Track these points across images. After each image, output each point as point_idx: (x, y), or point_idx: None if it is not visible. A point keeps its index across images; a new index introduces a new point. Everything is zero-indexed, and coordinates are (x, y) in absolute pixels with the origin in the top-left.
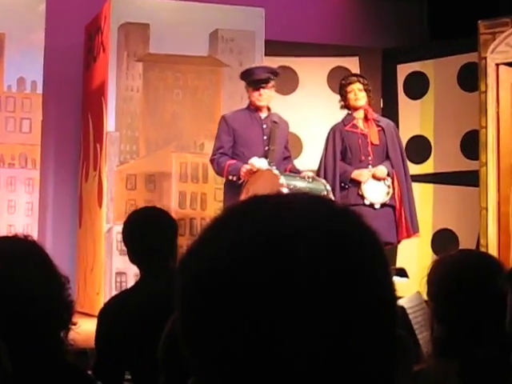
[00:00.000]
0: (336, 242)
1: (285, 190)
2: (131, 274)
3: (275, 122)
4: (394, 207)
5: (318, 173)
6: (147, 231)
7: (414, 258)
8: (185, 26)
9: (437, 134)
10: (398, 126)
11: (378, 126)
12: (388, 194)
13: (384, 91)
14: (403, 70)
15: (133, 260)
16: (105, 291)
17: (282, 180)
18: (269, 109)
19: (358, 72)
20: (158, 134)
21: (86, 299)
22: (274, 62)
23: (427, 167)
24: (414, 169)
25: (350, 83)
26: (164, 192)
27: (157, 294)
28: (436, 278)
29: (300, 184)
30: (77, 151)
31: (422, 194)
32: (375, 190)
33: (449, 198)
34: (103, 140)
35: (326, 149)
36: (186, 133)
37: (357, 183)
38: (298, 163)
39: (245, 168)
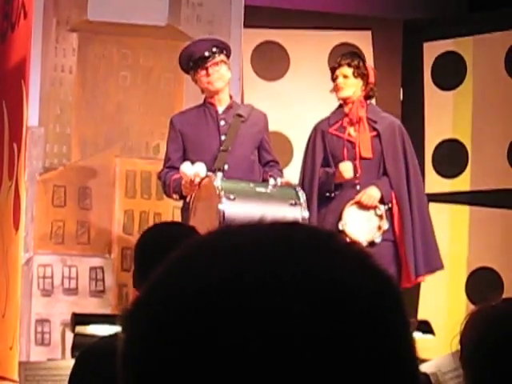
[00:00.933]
0: (332, 293)
1: (224, 202)
2: (57, 321)
3: (239, 116)
4: (394, 241)
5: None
6: (171, 251)
7: (443, 307)
8: None
9: (475, 138)
10: (422, 126)
11: (374, 129)
12: (380, 228)
13: (405, 78)
14: (432, 50)
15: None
16: (20, 345)
17: (218, 186)
18: (231, 97)
19: (371, 51)
20: (96, 132)
21: None
22: (257, 36)
23: (461, 183)
24: (444, 185)
25: (337, 66)
26: (104, 211)
27: None
28: (473, 337)
29: (252, 191)
30: None
31: (454, 218)
32: (360, 223)
33: (490, 225)
34: (22, 138)
35: (304, 155)
36: (134, 131)
37: (337, 210)
38: (288, 172)
39: (184, 181)
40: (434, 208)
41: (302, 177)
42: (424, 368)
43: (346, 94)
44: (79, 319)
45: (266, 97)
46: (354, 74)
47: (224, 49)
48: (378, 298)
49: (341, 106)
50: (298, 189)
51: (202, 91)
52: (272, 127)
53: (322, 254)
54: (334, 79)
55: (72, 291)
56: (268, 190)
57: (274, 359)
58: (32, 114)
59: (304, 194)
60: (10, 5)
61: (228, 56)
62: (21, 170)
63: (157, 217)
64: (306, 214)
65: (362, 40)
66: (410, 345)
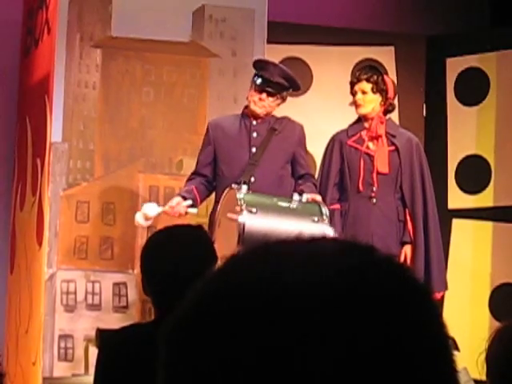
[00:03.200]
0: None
1: (245, 214)
2: (80, 337)
3: (273, 129)
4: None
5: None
6: (179, 256)
7: (466, 323)
8: (160, 1)
9: (499, 154)
10: (446, 142)
11: (392, 144)
12: None
13: (428, 94)
14: (454, 66)
15: (150, 293)
16: (43, 360)
17: (240, 199)
18: (267, 114)
19: (394, 67)
20: (120, 148)
21: (19, 371)
22: (280, 52)
23: (485, 199)
24: (467, 201)
25: (356, 81)
26: (127, 226)
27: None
28: (500, 353)
29: (275, 205)
30: (9, 168)
31: (478, 234)
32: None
33: None
34: (46, 154)
35: (321, 164)
36: (158, 146)
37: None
38: None
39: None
40: (457, 224)
41: (319, 185)
42: None
43: (365, 111)
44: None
45: (289, 112)
46: (372, 89)
47: (292, 86)
48: (419, 307)
49: (359, 118)
50: (323, 205)
51: (247, 101)
52: None
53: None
54: (353, 94)
55: (95, 307)
56: (291, 205)
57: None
58: (55, 130)
59: (327, 211)
60: (34, 20)
61: (286, 93)
62: (44, 185)
63: None
64: (330, 231)
65: (385, 56)
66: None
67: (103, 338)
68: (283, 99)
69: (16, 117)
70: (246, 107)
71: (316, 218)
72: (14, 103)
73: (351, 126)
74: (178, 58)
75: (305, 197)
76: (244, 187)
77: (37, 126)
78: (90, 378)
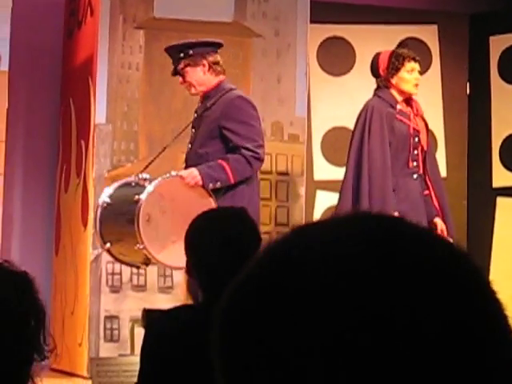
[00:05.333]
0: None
1: (99, 208)
2: (126, 317)
3: (206, 106)
4: None
5: (350, 173)
6: (223, 239)
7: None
8: None
9: None
10: (489, 120)
11: (424, 120)
12: None
13: (472, 72)
14: (498, 44)
15: (197, 277)
16: (89, 341)
17: (104, 195)
18: (198, 89)
19: (437, 46)
20: (164, 128)
21: (65, 352)
22: (323, 31)
23: None
24: (510, 179)
25: (413, 59)
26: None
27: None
28: None
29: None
30: (54, 150)
31: None
32: None
33: None
34: (90, 136)
35: (368, 136)
36: None
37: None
38: None
39: None
40: (502, 202)
41: (369, 166)
42: None
43: (416, 91)
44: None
45: (332, 92)
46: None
47: (189, 50)
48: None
49: (390, 93)
50: (159, 180)
51: None
52: (338, 122)
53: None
54: (399, 66)
55: (141, 287)
56: (135, 189)
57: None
58: (99, 112)
59: (151, 188)
60: (77, 2)
61: (194, 53)
62: (89, 167)
63: None
64: (138, 209)
65: (428, 34)
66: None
67: (149, 318)
68: (198, 64)
69: (60, 99)
70: None
71: (136, 198)
72: (57, 85)
73: (387, 98)
74: (221, 39)
75: (168, 174)
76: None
77: (81, 107)
78: (136, 358)
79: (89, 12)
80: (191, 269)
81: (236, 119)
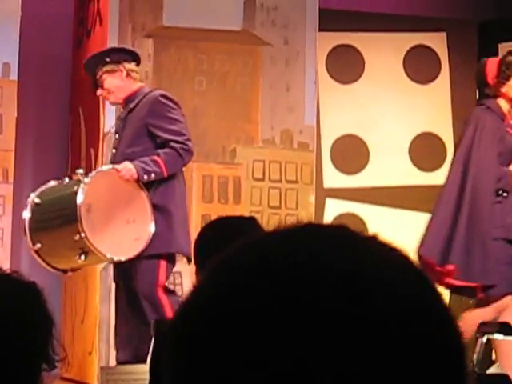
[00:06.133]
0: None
1: (28, 208)
2: None
3: (130, 108)
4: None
5: (453, 178)
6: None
7: None
8: None
9: None
10: None
11: None
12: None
13: None
14: (507, 51)
15: None
16: (99, 350)
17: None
18: (117, 97)
19: (446, 53)
20: None
21: (75, 361)
22: (332, 39)
23: None
24: None
25: None
26: None
27: None
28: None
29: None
30: (63, 159)
31: None
32: None
33: None
34: (99, 144)
35: (478, 145)
36: (211, 135)
37: None
38: (364, 177)
39: None
40: None
41: (477, 171)
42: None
43: None
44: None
45: (342, 100)
46: None
47: (100, 59)
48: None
49: (497, 103)
50: (82, 180)
51: None
52: (348, 130)
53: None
54: (509, 76)
55: None
56: (69, 184)
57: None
58: (109, 120)
59: (88, 179)
60: (86, 11)
61: (111, 60)
62: None
63: None
64: (79, 199)
65: (437, 42)
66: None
67: (158, 327)
68: (115, 70)
69: (69, 108)
70: None
71: (75, 188)
72: (66, 94)
73: (494, 108)
74: (230, 47)
75: (105, 167)
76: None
77: (90, 116)
78: (147, 367)
79: (98, 21)
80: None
81: (162, 115)
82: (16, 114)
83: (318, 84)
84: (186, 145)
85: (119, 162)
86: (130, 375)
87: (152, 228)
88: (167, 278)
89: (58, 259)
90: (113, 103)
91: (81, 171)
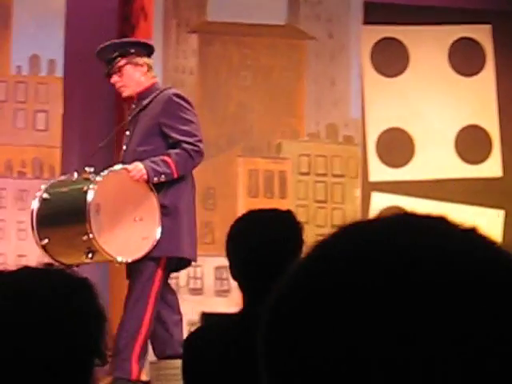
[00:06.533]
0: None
1: (36, 200)
2: (183, 320)
3: (142, 105)
4: None
5: None
6: (262, 241)
7: None
8: None
9: None
10: None
11: None
12: None
13: None
14: None
15: (236, 279)
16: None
17: (43, 188)
18: (132, 90)
19: (491, 45)
20: (218, 132)
21: None
22: (376, 33)
23: None
24: None
25: None
26: (227, 211)
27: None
28: None
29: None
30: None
31: None
32: None
33: None
34: None
35: None
36: (256, 130)
37: None
38: (409, 171)
39: None
40: None
41: None
42: None
43: None
44: (208, 318)
45: (386, 93)
46: None
47: (124, 50)
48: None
49: None
50: (105, 172)
51: None
52: (393, 123)
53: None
54: None
55: (197, 291)
56: (78, 182)
57: None
58: None
59: (99, 177)
60: (130, 7)
61: (135, 52)
62: None
63: None
64: (90, 197)
65: (482, 34)
66: None
67: (206, 320)
68: (133, 63)
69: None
70: None
71: (85, 187)
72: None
73: None
74: (275, 42)
75: (116, 167)
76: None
77: None
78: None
79: (142, 17)
80: (233, 273)
81: (175, 115)
82: (62, 111)
83: (363, 77)
84: (198, 146)
85: (130, 161)
86: (179, 370)
87: (159, 231)
88: (163, 281)
89: (64, 256)
90: (126, 97)
91: (91, 169)
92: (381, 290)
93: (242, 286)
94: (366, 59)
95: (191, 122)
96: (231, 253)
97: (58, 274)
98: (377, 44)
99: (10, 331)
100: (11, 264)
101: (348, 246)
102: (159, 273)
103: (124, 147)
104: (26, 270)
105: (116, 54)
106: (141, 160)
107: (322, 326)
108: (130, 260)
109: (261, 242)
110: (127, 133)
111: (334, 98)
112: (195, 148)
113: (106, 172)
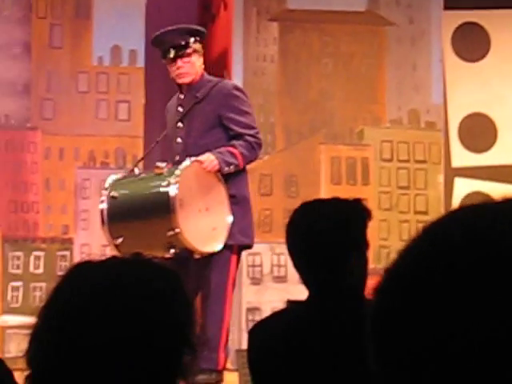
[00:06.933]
0: None
1: (104, 201)
2: (267, 309)
3: (196, 98)
4: None
5: None
6: (323, 231)
7: None
8: None
9: None
10: None
11: None
12: None
13: None
14: None
15: (298, 270)
16: (232, 333)
17: (106, 186)
18: (194, 77)
19: None
20: (300, 120)
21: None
22: (457, 17)
23: None
24: None
25: None
26: (310, 198)
27: (321, 320)
28: None
29: (135, 182)
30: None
31: None
32: None
33: None
34: None
35: None
36: (338, 117)
37: None
38: (492, 155)
39: None
40: None
41: None
42: None
43: None
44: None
45: (468, 78)
46: None
47: (198, 36)
48: None
49: None
50: (183, 166)
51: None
52: (474, 108)
53: None
54: None
55: (281, 279)
56: (150, 178)
57: None
58: None
59: (181, 171)
60: None
61: (202, 41)
62: None
63: None
64: (173, 191)
65: None
66: None
67: (292, 307)
68: (199, 52)
69: None
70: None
71: (165, 183)
72: None
73: None
74: (355, 28)
75: (188, 161)
76: (162, 165)
77: None
78: None
79: (222, 6)
80: (295, 264)
81: (236, 108)
82: (143, 101)
83: (444, 63)
84: (259, 138)
85: (192, 154)
86: None
87: (230, 219)
88: (237, 269)
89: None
90: (182, 84)
91: (164, 164)
92: (496, 272)
93: (303, 278)
94: (446, 44)
95: (250, 114)
96: (291, 244)
97: (146, 264)
98: (458, 29)
99: (101, 320)
100: (96, 254)
101: (460, 229)
102: (233, 261)
103: (178, 140)
104: (114, 260)
105: (191, 39)
106: (202, 153)
107: (438, 307)
108: (215, 250)
109: (321, 232)
110: (179, 125)
111: (415, 84)
112: (257, 140)
113: (182, 166)
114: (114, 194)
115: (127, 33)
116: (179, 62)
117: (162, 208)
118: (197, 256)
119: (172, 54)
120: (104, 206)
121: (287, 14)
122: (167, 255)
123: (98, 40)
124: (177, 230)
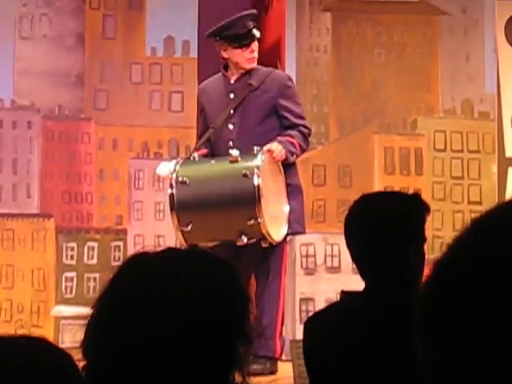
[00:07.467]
0: None
1: (173, 186)
2: (321, 299)
3: (250, 86)
4: None
5: None
6: (383, 224)
7: None
8: None
9: None
10: None
11: None
12: None
13: None
14: None
15: (355, 261)
16: (285, 324)
17: (173, 171)
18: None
19: None
20: (353, 110)
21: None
22: (510, 7)
23: None
24: None
25: None
26: (364, 188)
27: (378, 314)
28: None
29: (208, 169)
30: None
31: None
32: None
33: None
34: None
35: None
36: (391, 107)
37: None
38: None
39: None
40: None
41: None
42: None
43: None
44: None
45: None
46: None
47: (257, 22)
48: None
49: None
50: (262, 157)
51: (224, 59)
52: None
53: None
54: None
55: (335, 269)
56: (224, 165)
57: None
58: None
59: (261, 162)
60: None
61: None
62: None
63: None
64: (255, 183)
65: None
66: None
67: (346, 298)
68: (259, 40)
69: None
70: (225, 68)
71: (247, 172)
72: None
73: None
74: (408, 18)
75: (255, 149)
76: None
77: None
78: None
79: None
80: (352, 255)
81: (292, 98)
82: (197, 92)
83: (498, 52)
84: (310, 129)
85: (246, 141)
86: None
87: (287, 208)
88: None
89: (206, 241)
90: (246, 70)
91: (237, 152)
92: None
93: (360, 269)
94: (500, 33)
95: (301, 105)
96: (350, 235)
97: (202, 255)
98: (511, 18)
99: (157, 312)
100: (149, 244)
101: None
102: (286, 249)
103: (230, 126)
104: (170, 252)
105: (254, 25)
106: (259, 141)
107: (490, 298)
108: (280, 239)
109: (382, 225)
110: (231, 112)
111: (468, 74)
112: (309, 131)
113: (260, 156)
114: (183, 179)
115: (180, 23)
116: (253, 46)
117: (244, 197)
118: (264, 245)
119: (258, 34)
120: (173, 191)
121: (340, 4)
122: (239, 243)
123: (151, 31)
124: (259, 220)
